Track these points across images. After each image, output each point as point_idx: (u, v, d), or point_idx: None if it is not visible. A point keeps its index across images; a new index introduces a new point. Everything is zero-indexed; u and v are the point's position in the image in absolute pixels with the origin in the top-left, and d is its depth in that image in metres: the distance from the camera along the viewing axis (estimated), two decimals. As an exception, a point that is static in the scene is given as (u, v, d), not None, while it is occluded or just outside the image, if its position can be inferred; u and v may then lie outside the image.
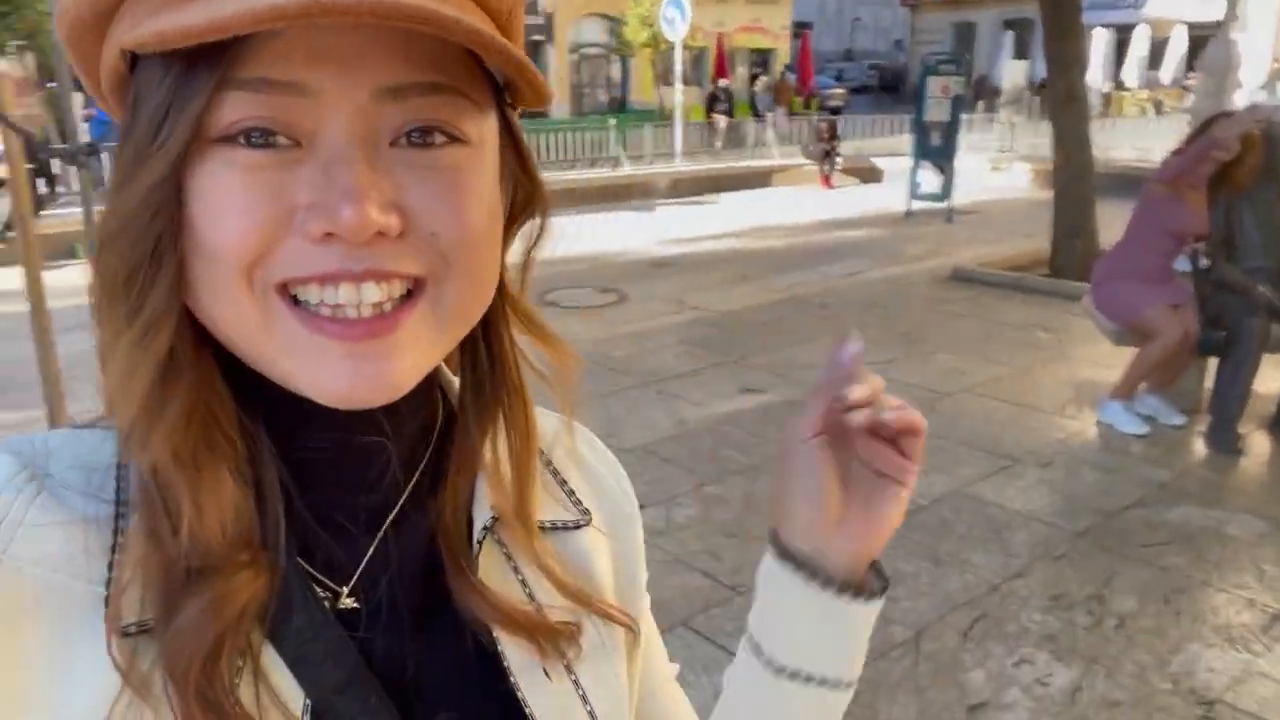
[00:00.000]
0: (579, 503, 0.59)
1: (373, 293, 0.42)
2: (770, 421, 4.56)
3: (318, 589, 0.48)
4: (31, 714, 0.41)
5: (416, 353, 0.45)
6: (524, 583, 0.53)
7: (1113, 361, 4.72)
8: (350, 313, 0.42)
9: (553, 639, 0.52)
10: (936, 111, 10.45)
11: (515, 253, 0.52)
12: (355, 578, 0.49)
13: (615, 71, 29.41)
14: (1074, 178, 7.53)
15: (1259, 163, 4.23)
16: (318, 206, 0.40)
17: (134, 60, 0.43)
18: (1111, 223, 5.58)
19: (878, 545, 0.57)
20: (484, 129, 0.46)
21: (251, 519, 0.45)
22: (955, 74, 10.61)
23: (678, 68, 16.51)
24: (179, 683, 0.41)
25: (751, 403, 4.86)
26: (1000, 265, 7.88)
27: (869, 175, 14.59)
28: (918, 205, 10.69)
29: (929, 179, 10.68)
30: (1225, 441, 4.24)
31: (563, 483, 0.60)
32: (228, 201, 0.41)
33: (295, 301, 0.43)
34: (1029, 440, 4.37)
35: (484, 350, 0.53)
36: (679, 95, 16.28)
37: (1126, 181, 7.63)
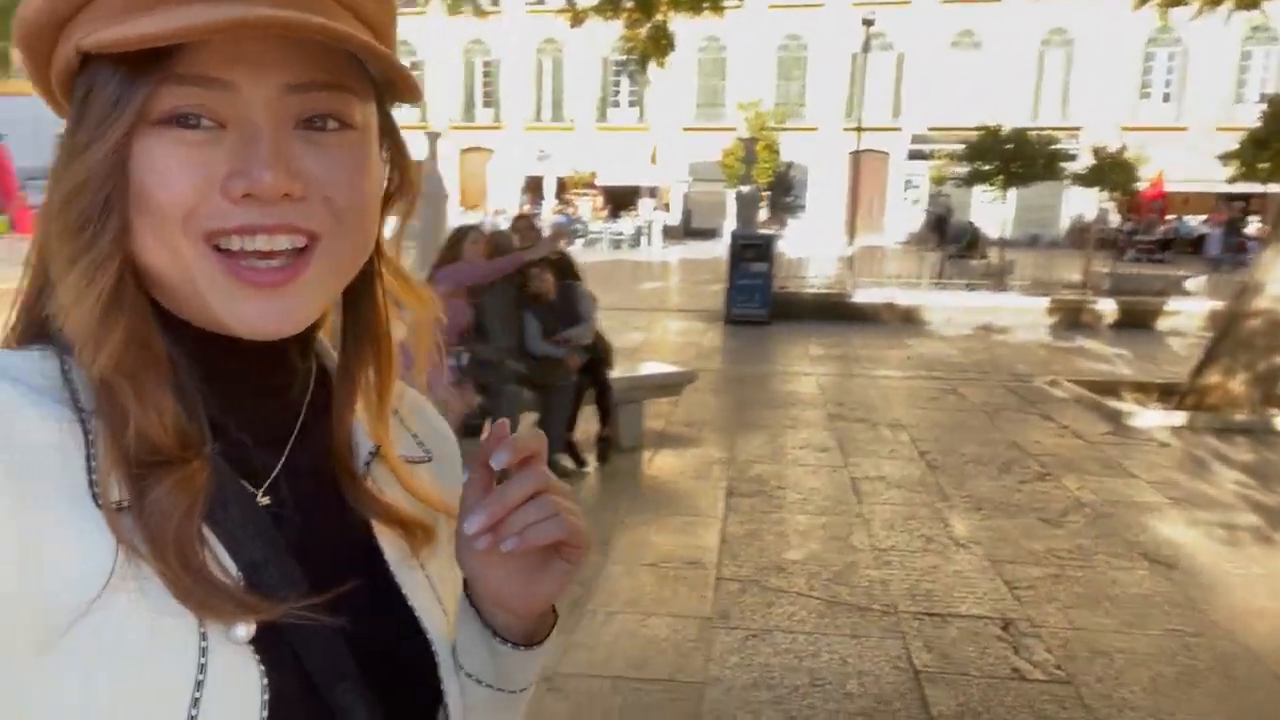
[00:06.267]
0: (422, 444, 0.72)
1: (283, 241, 0.53)
2: None
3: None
4: (45, 571, 0.47)
5: (312, 295, 0.56)
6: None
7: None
8: (261, 264, 0.53)
9: (414, 532, 0.64)
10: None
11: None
12: (269, 481, 0.59)
13: None
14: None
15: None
16: (239, 173, 0.51)
17: (83, 59, 0.52)
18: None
19: (536, 612, 0.64)
20: (368, 116, 0.57)
21: (186, 425, 0.54)
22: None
23: None
24: (160, 548, 0.50)
25: None
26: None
27: None
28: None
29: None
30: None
31: (408, 430, 0.72)
32: (168, 168, 0.51)
33: (218, 250, 0.53)
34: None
35: (364, 302, 0.64)
36: None
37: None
